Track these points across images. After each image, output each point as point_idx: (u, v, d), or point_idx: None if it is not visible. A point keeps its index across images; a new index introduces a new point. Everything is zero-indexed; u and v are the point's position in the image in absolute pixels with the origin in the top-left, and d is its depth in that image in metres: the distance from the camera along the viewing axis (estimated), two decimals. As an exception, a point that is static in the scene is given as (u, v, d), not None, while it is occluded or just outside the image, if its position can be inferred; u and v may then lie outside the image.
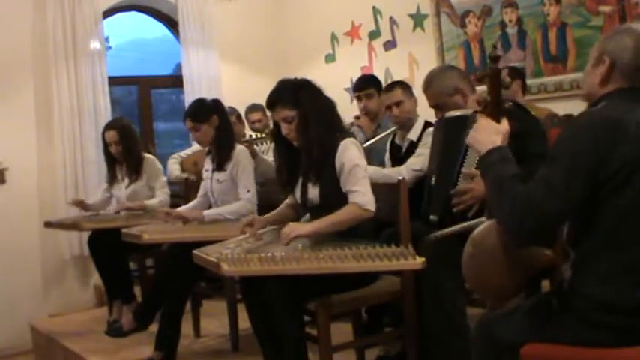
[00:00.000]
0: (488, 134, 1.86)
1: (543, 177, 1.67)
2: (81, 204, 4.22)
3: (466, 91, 2.92)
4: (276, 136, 2.80)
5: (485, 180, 1.83)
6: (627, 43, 1.78)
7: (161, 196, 4.10)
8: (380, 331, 3.22)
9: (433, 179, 2.83)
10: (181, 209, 3.61)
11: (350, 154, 2.62)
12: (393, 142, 3.63)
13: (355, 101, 4.22)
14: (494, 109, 1.92)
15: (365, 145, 3.60)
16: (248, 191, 3.50)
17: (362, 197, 2.56)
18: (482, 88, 3.01)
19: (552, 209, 1.63)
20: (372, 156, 3.62)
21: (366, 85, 4.08)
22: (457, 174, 2.67)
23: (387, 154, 3.62)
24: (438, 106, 2.97)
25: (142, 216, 3.94)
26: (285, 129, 2.67)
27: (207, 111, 3.54)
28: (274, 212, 2.92)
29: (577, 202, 1.65)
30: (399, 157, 3.50)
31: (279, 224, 2.79)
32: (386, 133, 3.75)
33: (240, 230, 2.81)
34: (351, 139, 2.68)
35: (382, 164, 3.58)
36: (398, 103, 3.52)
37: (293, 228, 2.52)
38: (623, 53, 1.77)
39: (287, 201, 2.94)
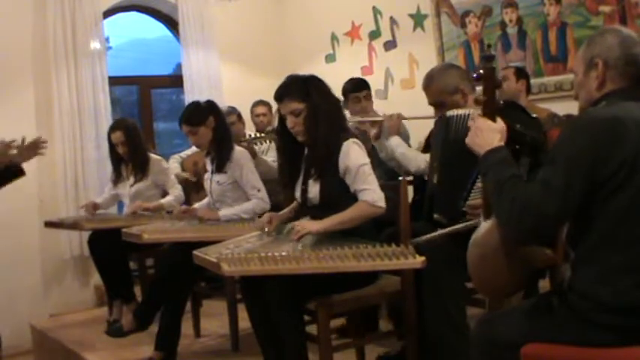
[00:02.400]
0: (487, 135, 1.87)
1: (543, 178, 1.68)
2: (93, 207, 4.21)
3: (466, 91, 2.92)
4: (280, 132, 2.80)
5: (485, 180, 1.83)
6: (612, 41, 1.81)
7: (175, 192, 4.13)
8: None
9: (435, 177, 2.83)
10: (198, 208, 3.62)
11: (354, 155, 2.62)
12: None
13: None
14: (489, 108, 1.93)
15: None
16: (258, 190, 3.51)
17: (372, 194, 2.57)
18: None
19: (551, 210, 1.64)
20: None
21: (362, 87, 4.13)
22: (472, 184, 2.64)
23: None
24: (437, 104, 2.97)
25: (146, 215, 3.94)
26: (291, 122, 2.66)
27: (203, 113, 3.53)
28: (288, 209, 2.93)
29: (576, 202, 1.65)
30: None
31: (293, 221, 2.80)
32: (425, 117, 3.71)
33: (260, 227, 2.82)
34: (354, 140, 2.68)
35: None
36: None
37: (304, 225, 2.53)
38: (611, 51, 1.80)
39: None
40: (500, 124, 1.90)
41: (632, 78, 1.79)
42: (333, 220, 2.57)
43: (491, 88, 1.94)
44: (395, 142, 3.31)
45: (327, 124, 2.63)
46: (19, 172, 3.39)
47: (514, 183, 1.72)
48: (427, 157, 3.24)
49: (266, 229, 2.79)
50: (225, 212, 3.49)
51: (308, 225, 2.54)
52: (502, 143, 1.86)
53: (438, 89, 2.94)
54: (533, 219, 1.65)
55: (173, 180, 4.22)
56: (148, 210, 4.03)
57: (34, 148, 3.46)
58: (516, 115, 2.44)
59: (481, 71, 1.97)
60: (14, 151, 3.36)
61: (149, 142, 5.35)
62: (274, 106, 4.60)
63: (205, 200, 3.74)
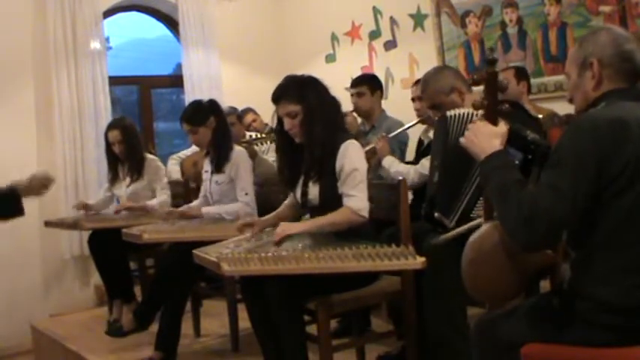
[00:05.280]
0: (487, 138, 1.85)
1: (549, 181, 1.66)
2: (84, 207, 4.22)
3: (462, 89, 2.92)
4: (278, 132, 2.80)
5: (487, 185, 1.82)
6: (604, 39, 1.80)
7: (162, 196, 4.10)
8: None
9: (436, 176, 2.83)
10: (182, 208, 3.62)
11: (351, 156, 2.61)
12: (421, 137, 3.68)
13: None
14: (491, 112, 1.92)
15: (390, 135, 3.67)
16: (246, 194, 3.50)
17: (357, 202, 2.57)
18: (478, 89, 3.03)
19: (562, 213, 1.62)
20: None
21: (357, 83, 4.13)
22: (476, 192, 2.63)
23: (415, 150, 3.67)
24: (435, 106, 2.98)
25: (142, 216, 3.94)
26: (288, 124, 2.66)
27: (204, 113, 3.53)
28: (274, 214, 2.92)
29: (585, 203, 1.64)
30: (420, 152, 3.57)
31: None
32: (408, 125, 3.77)
33: (238, 229, 2.81)
34: (353, 141, 2.67)
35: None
36: (420, 98, 3.64)
37: (285, 227, 2.53)
38: (605, 49, 1.79)
39: (286, 202, 2.94)
40: (501, 128, 1.88)
41: (628, 75, 1.79)
42: (315, 223, 2.59)
43: (494, 91, 1.93)
44: (387, 163, 3.45)
45: (324, 125, 2.62)
46: (18, 212, 3.13)
47: (519, 188, 1.70)
48: (419, 167, 3.28)
49: (246, 233, 2.74)
50: (208, 210, 3.49)
51: (289, 227, 2.54)
52: (502, 147, 1.85)
53: (434, 91, 2.95)
54: (544, 224, 1.62)
55: (164, 183, 4.18)
56: (131, 209, 4.03)
57: (43, 185, 3.26)
58: (519, 116, 2.44)
59: (482, 74, 1.96)
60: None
61: (149, 142, 5.36)
62: (260, 108, 4.63)
63: (195, 202, 3.72)
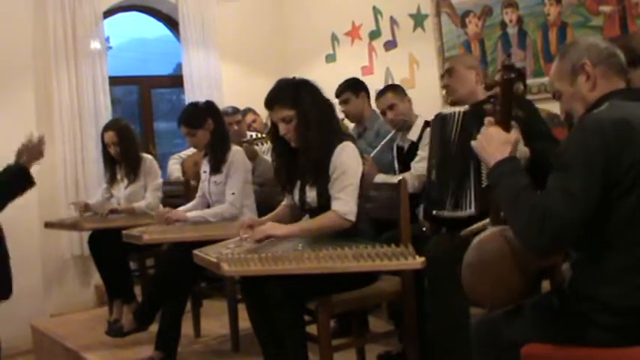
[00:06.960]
0: (498, 144, 1.84)
1: (559, 185, 1.65)
2: (84, 207, 4.21)
3: (479, 71, 3.00)
4: (274, 136, 2.79)
5: (497, 191, 1.81)
6: (583, 44, 1.84)
7: (150, 198, 4.07)
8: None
9: (433, 174, 2.83)
10: (175, 210, 3.61)
11: (344, 158, 2.60)
12: (398, 145, 3.66)
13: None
14: (504, 118, 1.89)
15: (372, 155, 3.62)
16: (233, 194, 3.48)
17: (343, 206, 2.55)
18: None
19: (576, 216, 1.62)
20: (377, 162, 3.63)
21: (339, 93, 4.11)
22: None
23: (395, 159, 3.65)
24: (450, 71, 3.03)
25: (142, 216, 3.93)
26: (283, 129, 2.66)
27: (202, 115, 3.53)
28: (272, 214, 2.91)
29: (597, 205, 1.64)
30: (402, 158, 3.56)
31: None
32: (386, 139, 3.76)
33: (240, 232, 2.80)
34: (349, 143, 2.66)
35: (387, 170, 3.60)
36: (391, 107, 3.62)
37: (270, 228, 2.54)
38: (590, 50, 1.82)
39: (284, 202, 2.93)
40: (514, 135, 1.86)
41: (618, 69, 1.81)
42: (300, 227, 2.59)
43: (509, 98, 1.90)
44: (380, 182, 3.39)
45: (319, 129, 2.61)
46: (30, 183, 3.42)
47: (530, 192, 1.70)
48: (413, 171, 3.30)
49: (244, 236, 2.73)
50: (192, 214, 3.48)
51: (275, 228, 2.54)
52: (513, 154, 1.83)
53: (458, 62, 3.04)
54: (557, 228, 1.62)
55: (155, 184, 4.14)
56: (117, 212, 4.03)
57: (38, 149, 3.50)
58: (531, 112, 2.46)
59: (499, 79, 1.93)
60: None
61: (149, 142, 5.36)
62: (260, 108, 4.57)
63: (190, 204, 3.71)
